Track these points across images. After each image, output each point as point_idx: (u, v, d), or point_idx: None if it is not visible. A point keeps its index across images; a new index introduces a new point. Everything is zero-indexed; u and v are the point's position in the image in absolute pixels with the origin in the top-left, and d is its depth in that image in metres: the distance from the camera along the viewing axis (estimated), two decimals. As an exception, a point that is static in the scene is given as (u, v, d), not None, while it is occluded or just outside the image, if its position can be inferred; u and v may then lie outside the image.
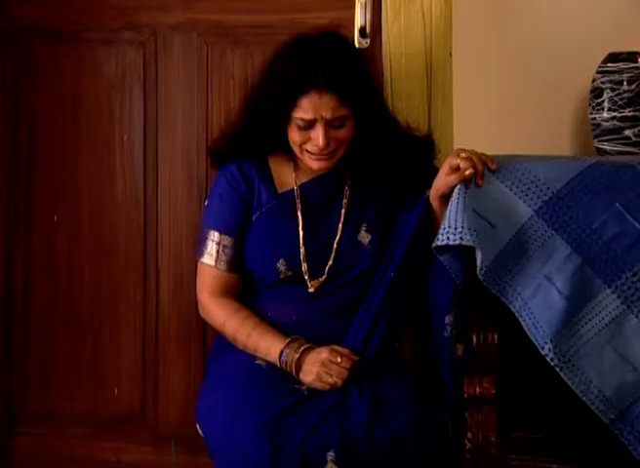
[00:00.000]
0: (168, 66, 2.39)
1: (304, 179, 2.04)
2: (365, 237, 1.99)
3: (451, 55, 2.21)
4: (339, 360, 1.88)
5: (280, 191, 2.02)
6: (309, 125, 1.90)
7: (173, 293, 2.42)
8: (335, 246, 1.98)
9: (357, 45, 2.24)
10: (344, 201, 2.02)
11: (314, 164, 1.96)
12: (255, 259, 2.03)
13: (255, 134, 1.99)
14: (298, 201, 2.01)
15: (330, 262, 1.98)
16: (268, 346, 1.95)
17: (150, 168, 2.41)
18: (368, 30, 2.24)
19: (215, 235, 2.04)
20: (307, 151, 1.95)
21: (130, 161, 2.41)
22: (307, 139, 1.92)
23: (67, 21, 2.38)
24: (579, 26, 2.21)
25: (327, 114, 1.89)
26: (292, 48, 1.94)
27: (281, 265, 1.98)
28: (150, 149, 2.41)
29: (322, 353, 1.90)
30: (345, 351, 1.91)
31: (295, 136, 1.94)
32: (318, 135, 1.89)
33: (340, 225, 1.99)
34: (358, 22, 2.24)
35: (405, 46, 2.23)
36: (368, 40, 2.25)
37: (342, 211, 2.01)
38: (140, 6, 2.37)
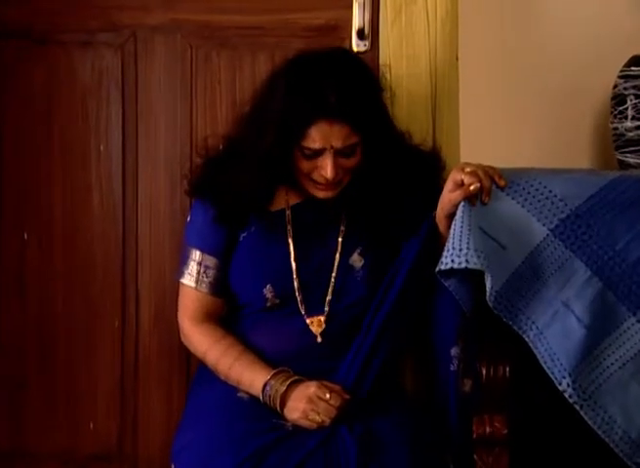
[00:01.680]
0: (149, 71, 2.33)
1: (297, 200, 1.97)
2: (357, 261, 1.93)
3: (457, 58, 2.16)
4: (327, 396, 1.82)
5: (271, 210, 1.96)
6: (317, 154, 1.85)
7: (154, 318, 2.36)
8: (332, 279, 1.93)
9: (355, 48, 2.22)
10: (342, 228, 1.96)
11: (320, 194, 1.91)
12: (239, 283, 1.98)
13: (252, 176, 1.91)
14: (288, 224, 1.95)
15: (329, 297, 1.92)
16: (252, 378, 1.89)
17: (129, 180, 2.36)
18: (366, 32, 2.21)
19: (196, 254, 1.98)
20: (312, 180, 1.89)
21: (107, 173, 2.36)
22: (313, 169, 1.87)
23: (39, 22, 2.33)
24: (598, 27, 2.20)
25: (337, 144, 1.84)
26: (295, 70, 1.86)
27: (268, 292, 1.92)
28: (129, 160, 2.36)
29: (310, 388, 1.83)
30: (336, 387, 1.84)
31: (300, 164, 1.87)
32: (326, 164, 1.83)
33: (338, 255, 1.94)
34: (356, 23, 2.22)
35: (407, 48, 2.17)
36: (367, 42, 2.22)
37: (340, 239, 1.95)
38: (119, 5, 2.31)
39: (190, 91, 2.33)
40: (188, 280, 2.00)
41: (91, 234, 2.37)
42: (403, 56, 2.16)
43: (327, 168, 1.83)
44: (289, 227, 1.94)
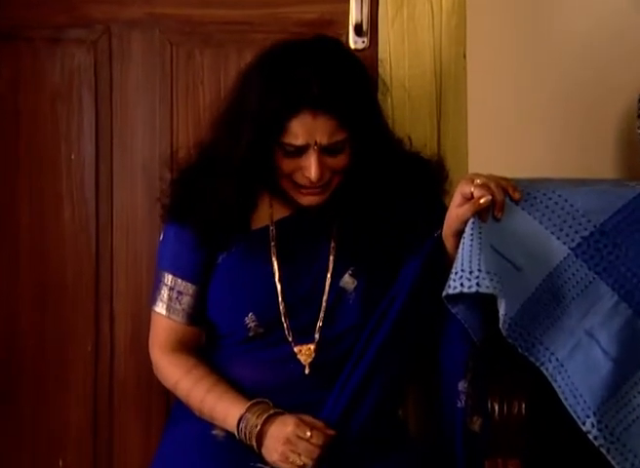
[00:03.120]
0: (124, 70, 2.29)
1: (282, 215, 1.90)
2: (349, 283, 1.86)
3: (465, 56, 2.12)
4: (308, 434, 1.74)
5: (253, 228, 1.89)
6: (299, 151, 1.77)
7: (131, 342, 2.32)
8: (323, 303, 1.85)
9: (352, 45, 2.17)
10: (332, 245, 1.88)
11: (304, 199, 1.83)
12: (218, 313, 1.90)
13: (230, 184, 1.83)
14: (273, 242, 1.87)
15: (319, 323, 1.85)
16: (226, 412, 1.80)
17: (104, 192, 2.32)
18: (365, 27, 2.18)
19: (168, 279, 1.90)
20: (295, 183, 1.81)
21: (79, 184, 2.32)
22: (296, 169, 1.79)
23: (2, 16, 2.28)
24: (624, 20, 2.17)
25: (322, 139, 1.76)
26: (271, 59, 1.79)
27: (250, 321, 1.84)
28: (103, 169, 2.32)
29: (287, 426, 1.75)
30: (318, 423, 1.76)
31: (281, 164, 1.79)
32: (310, 163, 1.76)
33: (329, 276, 1.86)
34: (353, 18, 2.18)
35: (409, 45, 2.13)
36: (365, 39, 2.18)
37: (331, 257, 1.87)
38: None
39: (170, 93, 2.29)
40: (160, 307, 1.91)
41: (61, 249, 2.34)
42: (405, 53, 2.14)
43: (311, 167, 1.76)
44: (273, 244, 1.87)
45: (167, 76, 2.29)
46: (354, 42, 2.18)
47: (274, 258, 1.86)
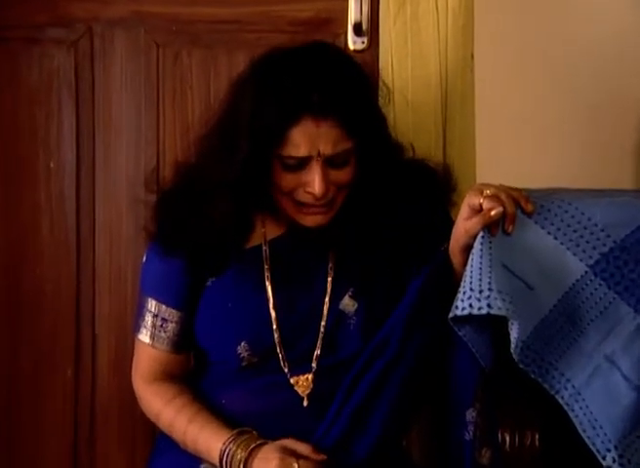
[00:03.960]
0: (107, 73, 2.28)
1: (275, 233, 1.86)
2: (350, 305, 1.82)
3: (473, 57, 2.11)
4: (295, 467, 1.69)
5: (245, 247, 1.84)
6: (301, 164, 1.72)
7: (114, 368, 2.30)
8: (322, 329, 1.81)
9: (351, 45, 2.17)
10: (330, 265, 1.84)
11: (307, 220, 1.78)
12: (207, 340, 1.85)
13: (225, 205, 1.78)
14: (266, 264, 1.83)
15: (317, 351, 1.81)
16: (208, 443, 1.76)
17: (85, 204, 2.30)
18: (365, 26, 2.17)
19: (152, 304, 1.85)
20: (297, 202, 1.76)
21: (59, 195, 2.30)
22: (298, 185, 1.74)
23: None
24: None
25: (326, 149, 1.70)
26: (267, 66, 1.75)
27: (243, 350, 1.79)
28: (85, 180, 2.30)
29: (271, 462, 1.70)
30: (304, 449, 1.72)
31: (280, 181, 1.74)
32: (314, 178, 1.71)
33: (327, 299, 1.82)
34: (352, 16, 2.17)
35: (412, 46, 2.12)
36: (365, 39, 2.17)
37: (329, 279, 1.83)
38: None
39: (157, 97, 2.28)
40: (144, 335, 1.86)
41: (39, 266, 2.32)
42: (408, 55, 2.13)
43: (314, 181, 1.71)
44: (266, 267, 1.82)
45: (153, 79, 2.28)
46: (353, 42, 2.17)
47: (268, 283, 1.82)
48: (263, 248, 1.84)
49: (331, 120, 1.70)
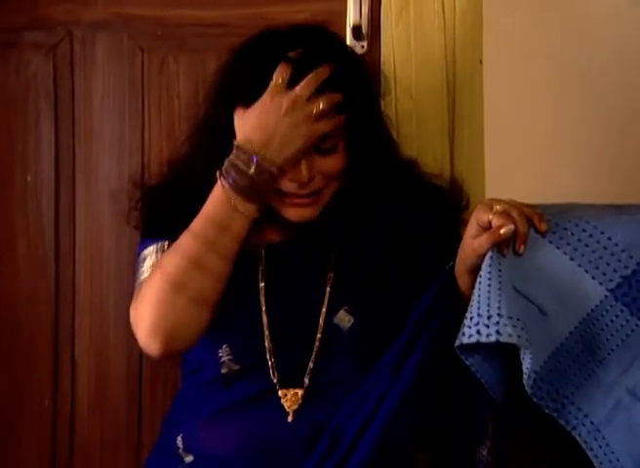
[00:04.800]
0: (88, 80, 2.26)
1: (276, 239, 1.86)
2: (344, 320, 1.80)
3: (482, 62, 2.10)
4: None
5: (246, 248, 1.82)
6: None
7: (94, 398, 2.27)
8: (316, 343, 1.79)
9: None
10: (329, 275, 1.82)
11: (291, 212, 1.78)
12: None
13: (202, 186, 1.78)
14: (261, 265, 1.82)
15: (311, 365, 1.78)
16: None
17: (64, 220, 2.28)
18: (364, 29, 2.15)
19: (151, 249, 1.83)
20: (281, 192, 1.75)
21: (36, 211, 2.28)
22: (282, 173, 1.74)
23: None
24: None
25: None
26: (248, 46, 1.78)
27: (224, 354, 1.77)
28: (64, 194, 2.28)
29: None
30: None
31: None
32: (298, 163, 1.72)
33: (324, 310, 1.80)
34: (351, 18, 2.15)
35: (416, 50, 2.11)
36: (365, 43, 2.15)
37: (327, 289, 1.81)
38: None
39: (141, 105, 2.26)
40: (147, 273, 1.82)
41: (14, 290, 2.30)
42: (411, 60, 2.12)
43: (299, 166, 1.72)
44: (261, 268, 1.82)
45: (137, 86, 2.26)
46: (352, 46, 2.12)
47: (262, 286, 1.81)
48: (262, 252, 1.83)
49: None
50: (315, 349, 1.79)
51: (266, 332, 1.79)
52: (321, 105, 1.69)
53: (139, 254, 1.88)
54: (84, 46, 2.25)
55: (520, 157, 2.18)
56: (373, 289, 1.83)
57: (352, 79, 1.75)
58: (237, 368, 1.78)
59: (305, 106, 1.69)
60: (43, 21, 2.24)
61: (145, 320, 1.73)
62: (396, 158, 1.88)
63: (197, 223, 1.73)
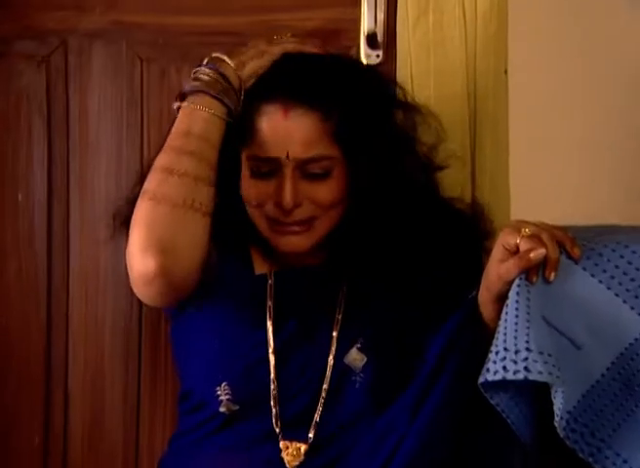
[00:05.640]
0: (84, 93, 2.22)
1: (283, 266, 1.83)
2: (357, 359, 1.76)
3: (506, 72, 2.07)
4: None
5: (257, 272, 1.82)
6: (270, 172, 1.70)
7: (88, 436, 2.23)
8: (324, 386, 1.74)
9: (364, 60, 2.12)
10: (339, 308, 1.79)
11: (281, 242, 1.74)
12: (183, 361, 1.83)
13: None
14: (269, 300, 1.78)
15: (317, 416, 1.74)
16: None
17: (58, 242, 2.23)
18: (380, 37, 2.12)
19: None
20: (269, 219, 1.73)
21: (28, 232, 2.23)
22: (267, 196, 1.72)
23: None
24: None
25: (296, 150, 1.67)
26: None
27: (222, 392, 1.73)
28: (58, 215, 2.23)
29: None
30: None
31: (247, 188, 1.72)
32: (282, 186, 1.68)
33: (334, 349, 1.76)
34: (365, 26, 2.12)
35: (435, 60, 2.08)
36: (380, 52, 2.12)
37: (336, 326, 1.78)
38: (44, 4, 2.20)
39: (141, 119, 2.22)
40: None
41: (3, 315, 2.25)
42: (430, 70, 2.09)
43: (282, 188, 1.68)
44: (270, 304, 1.78)
45: (136, 99, 2.22)
46: (366, 56, 2.12)
47: (270, 323, 1.77)
48: (269, 281, 1.80)
49: (305, 110, 1.67)
50: (323, 394, 1.76)
51: (272, 375, 1.75)
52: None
53: None
54: (79, 56, 2.22)
55: (549, 175, 2.16)
56: (387, 323, 1.80)
57: (350, 93, 1.71)
58: (236, 408, 1.74)
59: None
60: (35, 30, 2.21)
61: (136, 242, 1.67)
62: (411, 182, 1.83)
63: (165, 142, 1.71)
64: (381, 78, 1.85)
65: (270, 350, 1.76)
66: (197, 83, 1.70)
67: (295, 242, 1.75)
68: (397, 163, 1.79)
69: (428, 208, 1.83)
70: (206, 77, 1.70)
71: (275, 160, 1.67)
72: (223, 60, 1.71)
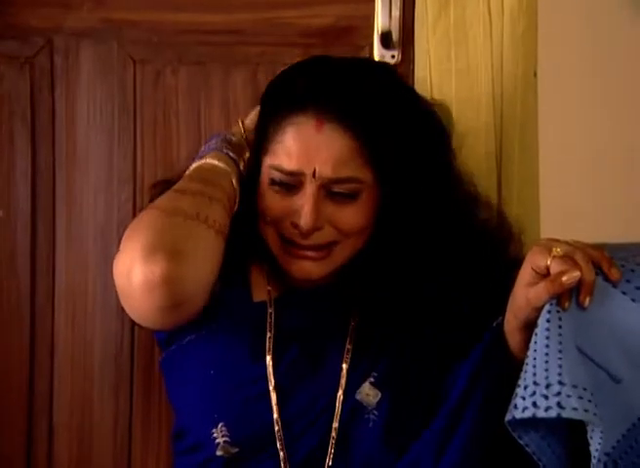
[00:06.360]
0: (71, 97, 2.21)
1: (285, 291, 1.80)
2: (370, 395, 1.71)
3: (536, 75, 2.05)
4: None
5: (255, 300, 1.79)
6: (292, 186, 1.66)
7: None
8: (334, 425, 1.71)
9: (378, 60, 2.12)
10: (349, 338, 1.75)
11: (294, 266, 1.70)
12: (178, 402, 1.78)
13: None
14: (269, 330, 1.74)
15: (329, 461, 1.70)
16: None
17: (43, 260, 2.21)
18: (395, 36, 2.11)
19: None
20: (284, 238, 1.69)
21: (9, 250, 2.21)
22: (285, 213, 1.68)
23: None
24: None
25: (325, 169, 1.63)
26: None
27: (219, 434, 1.69)
28: (43, 231, 2.21)
29: None
30: None
31: (265, 201, 1.69)
32: (303, 204, 1.65)
33: (343, 382, 1.72)
34: (379, 24, 2.11)
35: (457, 61, 2.07)
36: (395, 53, 2.11)
37: (345, 356, 1.74)
38: (28, 0, 2.19)
39: (134, 127, 2.21)
40: None
41: None
42: (451, 71, 2.08)
43: (303, 208, 1.65)
44: (269, 335, 1.73)
45: (129, 104, 2.21)
46: (380, 56, 2.11)
47: (269, 357, 1.73)
48: (269, 310, 1.77)
49: (339, 125, 1.64)
50: (333, 434, 1.73)
51: (275, 415, 1.71)
52: None
53: None
54: (66, 57, 2.20)
55: (583, 186, 2.16)
56: (404, 354, 1.75)
57: (392, 115, 1.67)
58: (235, 451, 1.71)
59: None
60: (17, 29, 2.20)
61: (138, 246, 1.60)
62: (448, 215, 1.79)
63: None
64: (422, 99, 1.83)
65: (271, 386, 1.73)
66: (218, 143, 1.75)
67: (308, 268, 1.72)
68: (436, 195, 1.76)
69: (462, 241, 1.79)
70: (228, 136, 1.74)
71: (299, 174, 1.64)
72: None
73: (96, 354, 2.19)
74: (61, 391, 2.21)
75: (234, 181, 1.69)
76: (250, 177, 1.72)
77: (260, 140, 1.70)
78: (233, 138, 1.75)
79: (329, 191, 1.66)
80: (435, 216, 1.76)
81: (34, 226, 2.20)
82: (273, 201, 1.68)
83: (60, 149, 2.20)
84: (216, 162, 1.70)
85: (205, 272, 1.62)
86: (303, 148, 1.64)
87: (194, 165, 1.72)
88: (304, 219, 1.64)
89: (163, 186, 1.83)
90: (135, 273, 1.59)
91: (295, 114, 1.65)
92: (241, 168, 1.71)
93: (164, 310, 1.61)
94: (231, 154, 1.71)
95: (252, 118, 1.80)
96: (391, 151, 1.68)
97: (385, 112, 1.69)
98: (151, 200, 1.83)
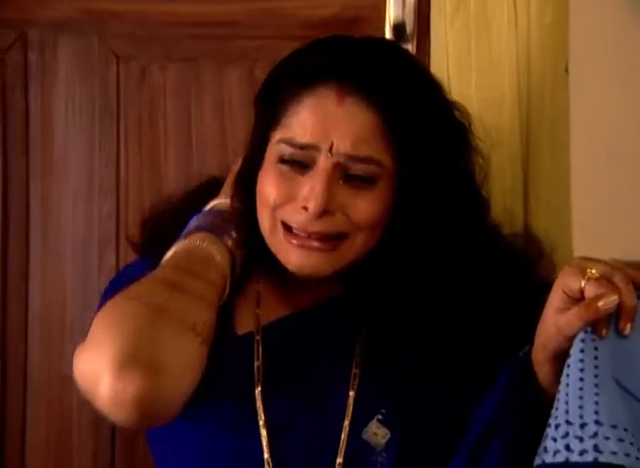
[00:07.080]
0: (47, 97, 2.23)
1: (276, 316, 1.73)
2: (378, 435, 1.65)
3: (567, 71, 1.99)
4: None
5: (239, 333, 1.72)
6: (303, 162, 1.59)
7: None
8: (339, 459, 1.64)
9: None
10: (354, 370, 1.67)
11: (293, 256, 1.63)
12: (159, 450, 1.72)
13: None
14: (256, 360, 1.67)
15: None
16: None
17: (15, 282, 2.24)
18: (409, 28, 2.10)
19: None
20: (284, 225, 1.63)
21: None
22: (291, 195, 1.61)
23: None
24: None
25: (344, 143, 1.56)
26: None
27: None
28: (15, 249, 2.24)
29: None
30: None
31: (268, 183, 1.63)
32: (315, 183, 1.57)
33: (347, 424, 1.65)
34: (391, 14, 2.10)
35: (478, 56, 2.01)
36: (410, 46, 2.10)
37: (350, 392, 1.66)
38: None
39: (117, 130, 2.22)
40: None
41: None
42: (472, 67, 2.03)
43: (314, 187, 1.58)
44: (257, 365, 1.67)
45: (111, 104, 2.23)
46: None
47: (258, 393, 1.65)
48: (255, 337, 1.69)
49: (363, 98, 1.58)
50: None
51: (266, 455, 1.64)
52: None
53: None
54: (42, 53, 2.21)
55: (622, 197, 2.12)
56: (416, 388, 1.67)
57: (421, 97, 1.63)
58: None
59: None
60: None
61: (109, 348, 1.53)
62: (474, 219, 1.75)
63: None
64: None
65: (262, 422, 1.66)
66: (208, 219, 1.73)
67: (311, 261, 1.63)
68: (456, 191, 1.70)
69: (487, 248, 1.73)
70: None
71: (314, 149, 1.56)
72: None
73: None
74: (36, 428, 2.22)
75: (227, 271, 1.65)
76: (251, 161, 1.66)
77: (270, 114, 1.63)
78: (224, 211, 1.71)
79: (345, 173, 1.58)
80: (455, 216, 1.70)
81: (5, 242, 2.21)
82: (281, 179, 1.61)
83: (35, 156, 2.20)
84: (205, 245, 1.65)
85: (183, 386, 1.56)
86: (320, 120, 1.57)
87: (182, 245, 1.66)
88: (315, 199, 1.57)
89: (154, 225, 1.80)
90: (103, 384, 1.53)
91: (314, 85, 1.58)
92: (230, 245, 1.69)
93: (136, 422, 1.56)
94: (224, 237, 1.67)
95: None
96: (413, 134, 1.61)
97: (410, 91, 1.62)
98: (143, 245, 1.81)
